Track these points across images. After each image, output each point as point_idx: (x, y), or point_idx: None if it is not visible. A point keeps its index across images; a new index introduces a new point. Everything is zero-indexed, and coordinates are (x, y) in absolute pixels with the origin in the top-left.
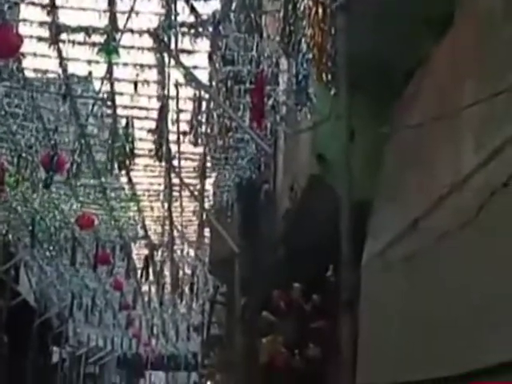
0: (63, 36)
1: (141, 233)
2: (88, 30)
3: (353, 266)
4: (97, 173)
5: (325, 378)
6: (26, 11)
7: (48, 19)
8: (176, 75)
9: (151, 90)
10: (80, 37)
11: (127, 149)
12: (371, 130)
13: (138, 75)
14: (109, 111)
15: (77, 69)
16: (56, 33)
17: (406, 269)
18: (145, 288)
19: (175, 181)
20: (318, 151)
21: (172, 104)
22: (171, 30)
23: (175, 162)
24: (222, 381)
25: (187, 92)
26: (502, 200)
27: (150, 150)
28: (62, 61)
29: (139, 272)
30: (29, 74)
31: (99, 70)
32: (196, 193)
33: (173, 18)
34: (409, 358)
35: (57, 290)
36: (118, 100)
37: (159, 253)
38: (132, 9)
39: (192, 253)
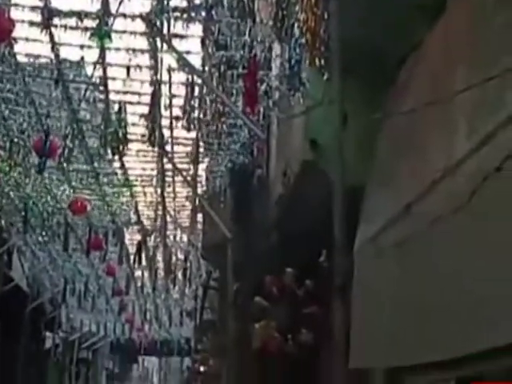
0: (55, 21)
1: (134, 218)
2: (80, 15)
3: (345, 252)
4: (89, 158)
5: (317, 363)
6: None
7: (40, 4)
8: (169, 60)
9: (144, 74)
10: (72, 21)
11: (120, 134)
12: (364, 115)
13: (130, 60)
14: (101, 96)
15: (69, 54)
16: (48, 17)
17: (399, 254)
18: (138, 273)
19: (168, 166)
20: (311, 136)
21: (165, 89)
22: (164, 14)
23: (168, 148)
24: (215, 366)
25: (180, 77)
26: (494, 185)
27: (143, 135)
28: (54, 45)
29: (132, 257)
30: (21, 58)
31: (91, 55)
32: (189, 178)
33: (165, 2)
34: (401, 343)
35: (49, 276)
36: (111, 85)
37: (152, 238)
38: None
39: (185, 238)
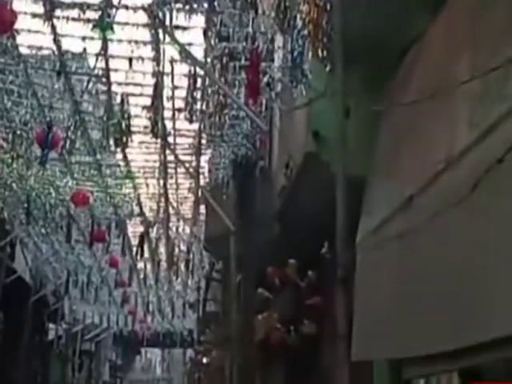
0: (57, 12)
1: (136, 210)
2: (82, 6)
3: (348, 243)
4: (92, 150)
5: (319, 354)
6: None
7: None
8: (171, 52)
9: (146, 66)
10: (74, 13)
11: (122, 126)
12: (366, 107)
13: (132, 51)
14: (104, 88)
15: (71, 45)
16: (50, 9)
17: (401, 246)
18: (140, 265)
19: (170, 158)
20: (313, 128)
21: (167, 80)
22: (166, 6)
23: (170, 139)
24: (217, 357)
25: (182, 68)
26: (496, 177)
27: (145, 127)
28: (57, 37)
29: (135, 249)
30: (23, 50)
31: (94, 47)
32: (191, 170)
33: None
34: (404, 335)
35: (52, 267)
36: (113, 76)
37: (154, 230)
38: None
39: (187, 230)
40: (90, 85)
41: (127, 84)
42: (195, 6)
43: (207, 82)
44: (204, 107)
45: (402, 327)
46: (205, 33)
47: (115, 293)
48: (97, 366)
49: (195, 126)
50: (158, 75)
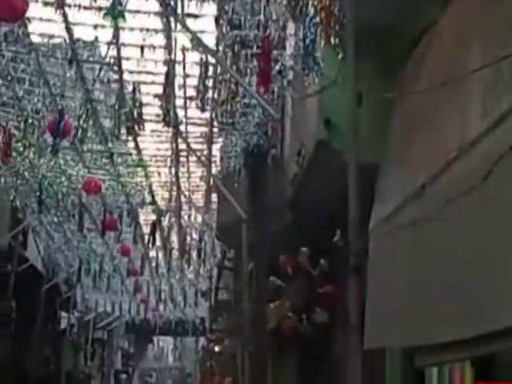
0: (69, 0)
1: (148, 198)
2: None
3: (360, 231)
4: (104, 138)
5: (332, 343)
6: None
7: None
8: (182, 40)
9: (158, 54)
10: (86, 1)
11: (134, 114)
12: (378, 95)
13: (144, 40)
14: (115, 76)
15: (83, 33)
16: None
17: (413, 233)
18: (152, 254)
19: (182, 146)
20: (325, 116)
21: (179, 69)
22: None
23: (182, 128)
24: (230, 345)
25: (194, 57)
26: (509, 165)
27: (157, 116)
28: (68, 25)
29: (146, 238)
30: (35, 38)
31: (105, 35)
32: (203, 158)
33: None
34: (416, 323)
35: (64, 256)
36: (125, 65)
37: (166, 218)
38: None
39: (199, 218)
40: (102, 73)
41: (139, 72)
42: None
43: (219, 70)
44: (216, 95)
45: (415, 315)
46: (216, 20)
47: (127, 281)
48: (109, 354)
49: (207, 114)
50: (170, 63)
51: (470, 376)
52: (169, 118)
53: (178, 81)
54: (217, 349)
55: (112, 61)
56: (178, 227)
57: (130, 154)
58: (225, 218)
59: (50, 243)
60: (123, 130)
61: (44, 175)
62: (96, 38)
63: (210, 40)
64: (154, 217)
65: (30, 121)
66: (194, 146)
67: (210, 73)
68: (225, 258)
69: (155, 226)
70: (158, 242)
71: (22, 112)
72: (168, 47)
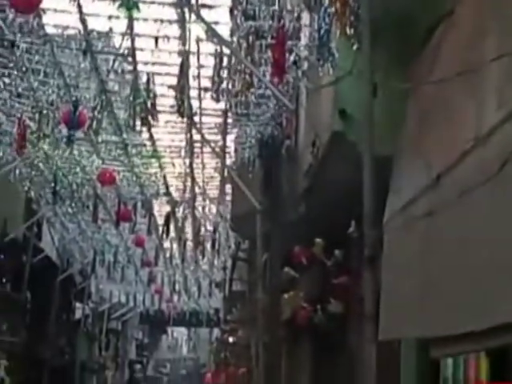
0: None
1: (162, 189)
2: None
3: (375, 222)
4: (118, 129)
5: (346, 334)
6: None
7: None
8: (197, 30)
9: (172, 45)
10: None
11: (149, 105)
12: (394, 85)
13: (158, 30)
14: (130, 67)
15: (97, 24)
16: None
17: (428, 225)
18: (166, 245)
19: (197, 137)
20: (340, 106)
21: (193, 60)
22: None
23: (196, 118)
24: (244, 336)
25: (208, 47)
26: None
27: (172, 106)
28: (83, 16)
29: (161, 229)
30: (49, 29)
31: (120, 26)
32: (217, 149)
33: None
34: (431, 314)
35: (79, 247)
36: (139, 56)
37: (181, 209)
38: None
39: (214, 209)
40: (116, 64)
41: (153, 63)
42: None
43: (233, 61)
44: (230, 86)
45: (430, 306)
46: (231, 11)
47: (141, 272)
48: (123, 344)
49: (221, 105)
50: (184, 54)
51: (485, 367)
52: (183, 108)
53: (193, 72)
54: (231, 339)
55: (126, 51)
56: (192, 218)
57: (145, 145)
58: (239, 209)
59: (64, 234)
60: (138, 121)
61: (58, 166)
62: (110, 28)
63: (224, 31)
64: (168, 208)
65: (44, 112)
66: (208, 136)
67: (225, 63)
68: (239, 249)
69: (169, 216)
70: (172, 233)
71: (36, 103)
72: (182, 38)
